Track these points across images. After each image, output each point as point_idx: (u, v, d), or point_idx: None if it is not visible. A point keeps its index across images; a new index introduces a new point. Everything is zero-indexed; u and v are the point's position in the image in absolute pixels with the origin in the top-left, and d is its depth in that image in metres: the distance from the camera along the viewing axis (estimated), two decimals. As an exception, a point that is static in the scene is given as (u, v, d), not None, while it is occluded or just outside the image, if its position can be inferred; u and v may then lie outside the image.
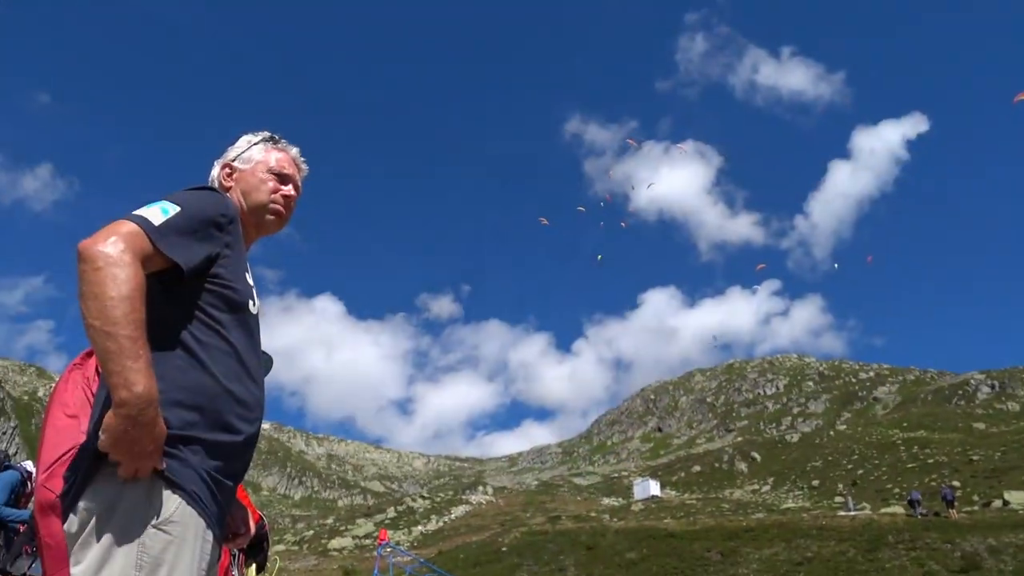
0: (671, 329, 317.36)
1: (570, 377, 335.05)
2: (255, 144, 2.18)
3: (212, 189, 1.99)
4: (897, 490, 52.35)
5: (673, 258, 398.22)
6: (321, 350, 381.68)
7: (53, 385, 2.52)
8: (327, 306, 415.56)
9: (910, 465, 59.30)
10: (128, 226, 1.69)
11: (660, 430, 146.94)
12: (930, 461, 58.44)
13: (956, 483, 47.28)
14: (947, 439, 66.99)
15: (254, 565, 3.55)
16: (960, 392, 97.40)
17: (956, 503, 37.55)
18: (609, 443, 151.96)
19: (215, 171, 2.16)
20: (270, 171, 2.15)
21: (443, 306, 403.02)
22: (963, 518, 35.13)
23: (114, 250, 1.62)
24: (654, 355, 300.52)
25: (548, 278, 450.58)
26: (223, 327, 1.83)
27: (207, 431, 1.72)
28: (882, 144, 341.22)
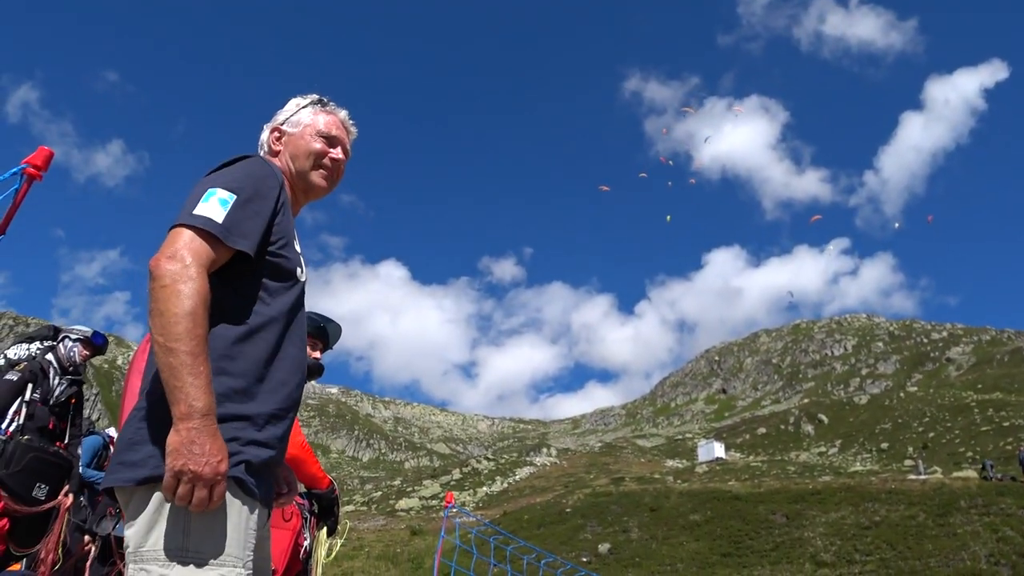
0: (736, 289, 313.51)
1: (633, 339, 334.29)
2: (304, 107, 2.18)
3: (257, 157, 2.01)
4: (970, 453, 51.12)
5: (738, 217, 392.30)
6: (386, 315, 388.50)
7: (132, 353, 2.67)
8: (391, 272, 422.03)
9: (984, 428, 57.74)
10: (191, 234, 1.73)
11: (724, 392, 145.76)
12: (1006, 424, 56.78)
13: (1033, 446, 45.95)
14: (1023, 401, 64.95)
15: (325, 528, 3.66)
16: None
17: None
18: (673, 405, 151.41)
19: (264, 135, 2.18)
20: (319, 134, 2.15)
21: (506, 269, 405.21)
22: (1040, 483, 34.20)
23: (179, 265, 1.67)
24: (718, 316, 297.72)
25: (610, 239, 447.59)
26: (271, 294, 1.88)
27: (251, 400, 1.77)
28: (957, 94, 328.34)
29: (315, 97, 2.22)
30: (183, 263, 1.67)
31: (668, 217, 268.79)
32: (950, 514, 31.33)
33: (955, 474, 41.32)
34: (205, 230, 1.74)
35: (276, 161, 2.11)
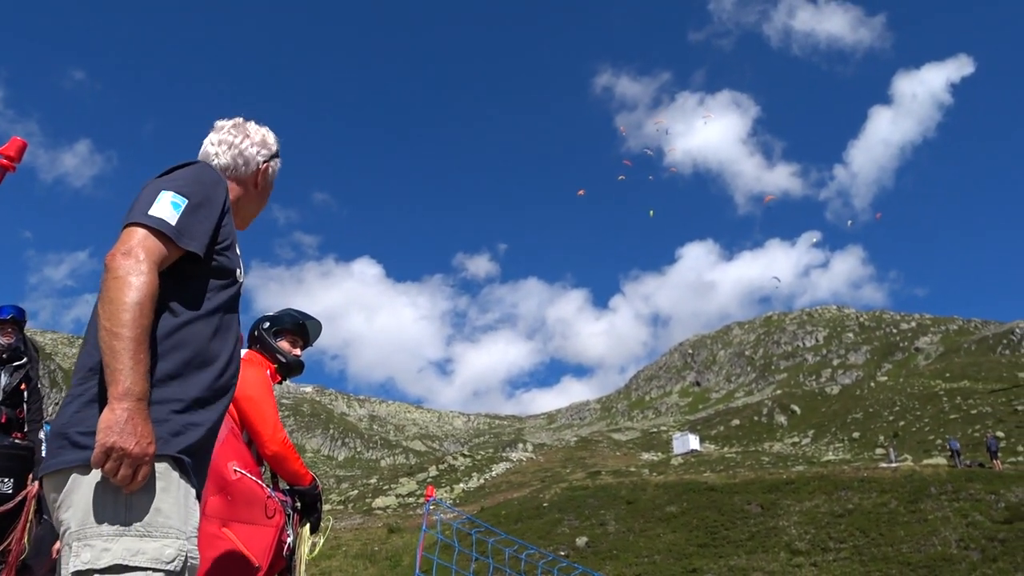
0: (709, 283, 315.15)
1: (608, 333, 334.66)
2: (276, 156, 2.40)
3: (204, 163, 2.14)
4: (939, 441, 51.91)
5: (710, 211, 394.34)
6: (361, 313, 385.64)
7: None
8: (366, 269, 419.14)
9: (953, 416, 58.67)
10: (145, 232, 1.85)
11: (698, 384, 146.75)
12: (973, 412, 57.76)
13: (1000, 433, 46.75)
14: (991, 389, 66.03)
15: (308, 524, 3.66)
16: (1005, 341, 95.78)
17: (1000, 453, 37.24)
18: (647, 398, 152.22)
19: (250, 150, 2.31)
20: (271, 184, 2.41)
21: (480, 265, 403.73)
22: (1008, 468, 34.84)
23: (133, 261, 1.79)
24: (692, 309, 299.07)
25: (584, 235, 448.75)
26: (212, 292, 2.00)
27: (186, 385, 1.87)
28: (924, 89, 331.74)
29: (276, 148, 2.41)
30: (136, 259, 1.79)
31: (651, 212, 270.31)
32: (921, 500, 31.84)
33: (925, 461, 41.98)
34: (159, 230, 1.86)
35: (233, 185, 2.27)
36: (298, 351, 3.85)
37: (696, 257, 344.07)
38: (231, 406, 3.24)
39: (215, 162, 2.25)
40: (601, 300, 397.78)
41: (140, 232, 1.84)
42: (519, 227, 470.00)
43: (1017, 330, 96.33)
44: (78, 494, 1.74)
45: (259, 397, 3.35)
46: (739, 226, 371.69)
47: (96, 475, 1.72)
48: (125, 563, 1.68)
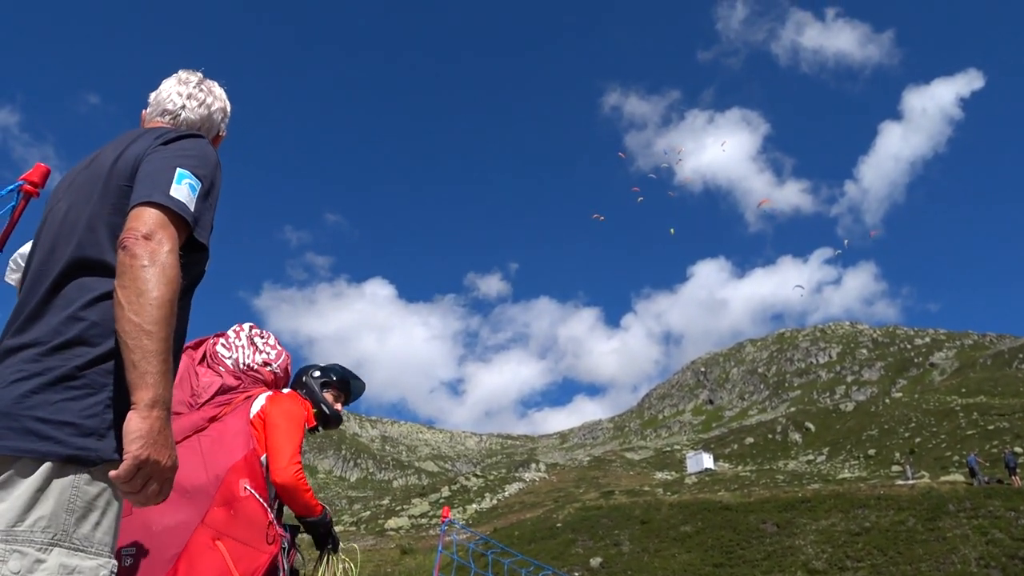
0: (721, 301, 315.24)
1: (620, 352, 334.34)
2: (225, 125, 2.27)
3: (207, 140, 1.98)
4: (956, 458, 51.38)
5: (722, 229, 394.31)
6: (373, 334, 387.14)
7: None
8: (377, 290, 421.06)
9: (969, 432, 58.09)
10: (165, 218, 1.67)
11: (711, 402, 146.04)
12: (990, 427, 57.16)
13: (1019, 449, 46.23)
14: (1008, 404, 65.37)
15: (330, 550, 3.56)
16: (1021, 355, 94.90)
17: (1019, 470, 36.78)
18: (660, 417, 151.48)
19: (216, 110, 2.19)
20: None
21: (491, 285, 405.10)
22: (1026, 485, 34.42)
23: (164, 250, 1.62)
24: (704, 327, 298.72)
25: (596, 253, 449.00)
26: (191, 284, 1.88)
27: None
28: (934, 103, 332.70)
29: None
30: (164, 247, 1.62)
31: (672, 230, 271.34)
32: (939, 518, 31.48)
33: (942, 478, 41.52)
34: (180, 215, 1.70)
35: None
36: (339, 406, 3.94)
37: (708, 275, 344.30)
38: (260, 427, 3.26)
39: (181, 115, 2.10)
40: (613, 319, 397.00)
41: (161, 215, 1.66)
42: (530, 246, 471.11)
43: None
44: (20, 490, 1.52)
45: (290, 428, 3.32)
46: (751, 243, 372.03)
47: (47, 470, 1.54)
48: None
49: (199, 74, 2.22)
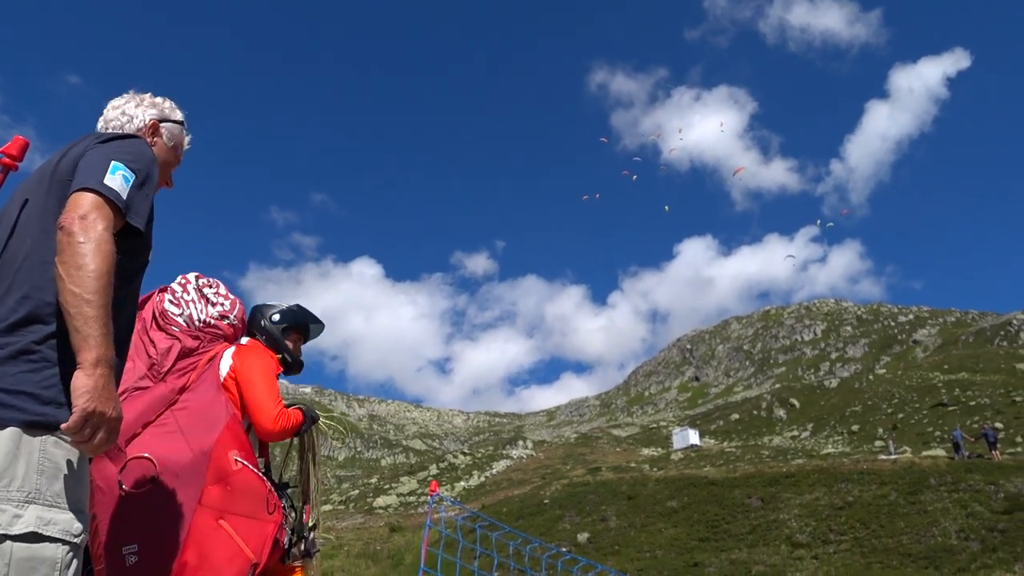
0: (707, 279, 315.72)
1: (607, 329, 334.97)
2: (180, 124, 2.49)
3: (143, 139, 2.21)
4: (938, 433, 52.05)
5: (708, 207, 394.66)
6: (360, 313, 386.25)
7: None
8: (365, 270, 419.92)
9: (951, 408, 58.80)
10: (100, 201, 1.87)
11: (697, 379, 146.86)
12: (972, 403, 57.88)
13: (999, 424, 46.89)
14: (989, 380, 66.18)
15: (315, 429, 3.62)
16: (1002, 332, 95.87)
17: (999, 444, 37.31)
18: (646, 394, 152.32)
19: (138, 113, 2.39)
20: (177, 158, 2.49)
21: (478, 263, 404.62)
22: (1006, 459, 34.90)
23: (96, 227, 1.81)
24: (690, 305, 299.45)
25: (583, 231, 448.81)
26: (135, 271, 2.08)
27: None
28: (921, 83, 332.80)
29: (182, 116, 2.51)
30: (98, 226, 1.82)
31: (666, 207, 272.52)
32: (920, 492, 31.91)
33: (924, 453, 42.08)
34: (112, 200, 1.90)
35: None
36: (298, 349, 3.72)
37: (694, 253, 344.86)
38: (234, 387, 3.18)
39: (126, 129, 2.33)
40: (600, 297, 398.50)
41: (95, 198, 1.87)
42: (517, 225, 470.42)
43: (1015, 321, 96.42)
44: None
45: (266, 381, 3.20)
46: (737, 221, 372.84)
47: (13, 434, 1.72)
48: (38, 531, 1.68)
49: (145, 95, 2.46)
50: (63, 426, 1.69)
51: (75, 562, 1.76)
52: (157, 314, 3.26)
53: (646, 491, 39.15)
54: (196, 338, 3.23)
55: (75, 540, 1.75)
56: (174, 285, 3.38)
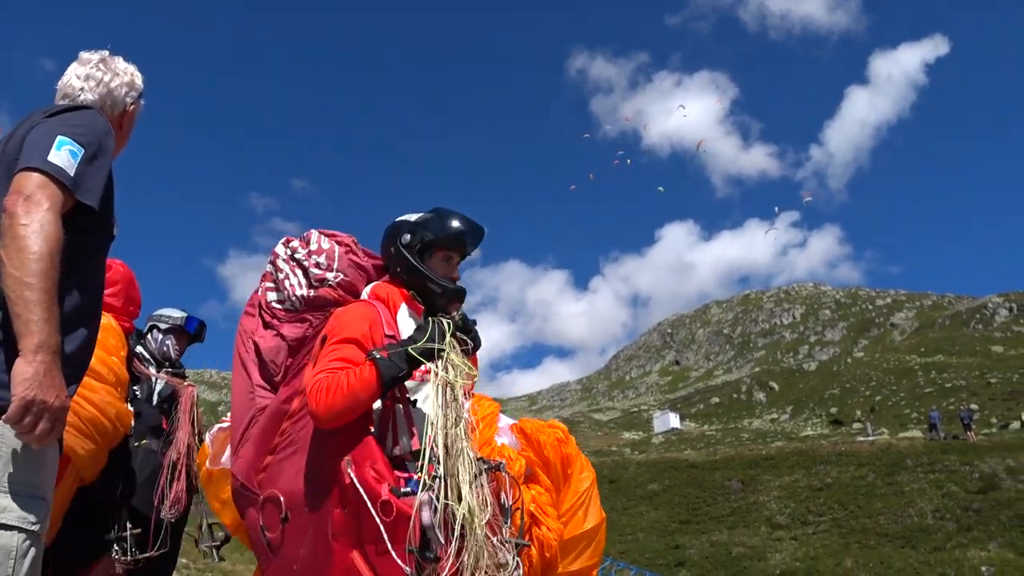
0: (688, 263, 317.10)
1: (588, 314, 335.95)
2: (141, 96, 2.31)
3: (95, 110, 2.07)
4: (915, 415, 52.73)
5: (689, 192, 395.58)
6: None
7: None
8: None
9: (928, 390, 59.56)
10: (45, 180, 1.79)
11: (678, 363, 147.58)
12: (948, 385, 58.65)
13: (974, 406, 47.52)
14: (965, 363, 67.04)
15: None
16: (978, 316, 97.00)
17: (974, 426, 37.84)
18: (628, 378, 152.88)
19: (120, 90, 2.22)
20: (125, 125, 2.29)
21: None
22: (981, 440, 35.44)
23: (39, 208, 1.73)
24: (671, 290, 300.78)
25: (565, 216, 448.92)
26: (97, 248, 2.01)
27: (67, 344, 1.81)
28: (900, 69, 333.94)
29: (141, 87, 2.32)
30: (42, 207, 1.74)
31: (660, 188, 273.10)
32: (897, 473, 32.37)
33: (901, 435, 42.67)
34: (58, 179, 1.80)
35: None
36: (456, 273, 2.70)
37: (675, 238, 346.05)
38: None
39: (80, 97, 2.15)
40: (581, 282, 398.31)
41: (40, 178, 1.78)
42: (498, 209, 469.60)
43: (990, 304, 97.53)
44: None
45: (321, 355, 2.34)
46: (718, 206, 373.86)
47: None
48: None
49: (102, 53, 2.26)
50: (3, 417, 1.65)
51: (32, 550, 1.70)
52: (264, 309, 2.64)
53: (627, 475, 39.43)
54: (302, 321, 2.55)
55: (32, 528, 1.69)
56: (267, 266, 2.70)
